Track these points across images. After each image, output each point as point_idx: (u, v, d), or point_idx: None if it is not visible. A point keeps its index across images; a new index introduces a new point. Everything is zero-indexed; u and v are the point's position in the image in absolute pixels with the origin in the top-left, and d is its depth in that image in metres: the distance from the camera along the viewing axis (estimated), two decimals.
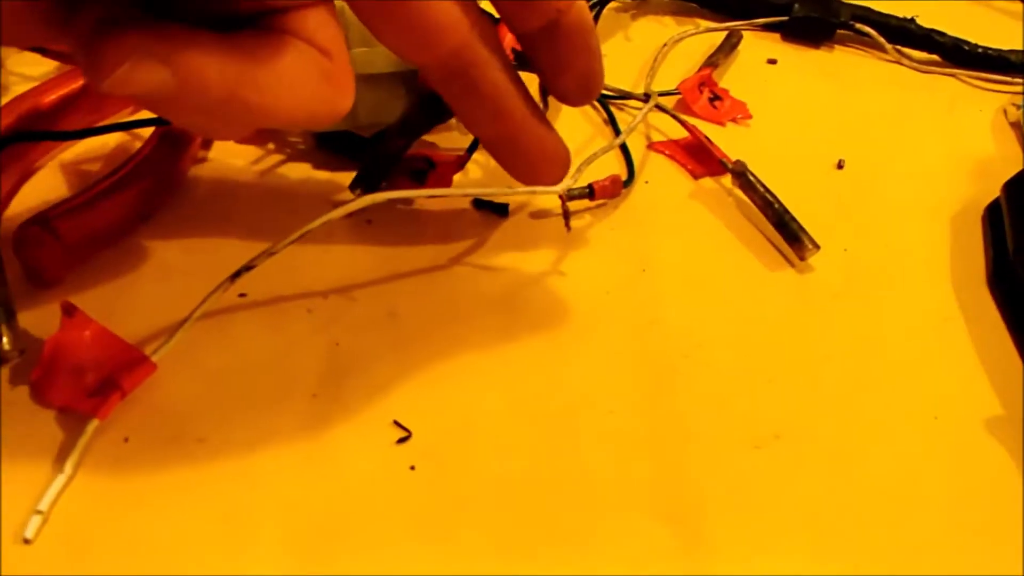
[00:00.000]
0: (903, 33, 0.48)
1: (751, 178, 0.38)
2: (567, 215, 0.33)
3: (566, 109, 0.42)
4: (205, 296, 0.28)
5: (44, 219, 0.29)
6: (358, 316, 0.31)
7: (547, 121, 0.30)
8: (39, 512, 0.24)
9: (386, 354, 0.30)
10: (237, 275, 0.27)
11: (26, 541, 0.24)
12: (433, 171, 0.35)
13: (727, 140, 0.40)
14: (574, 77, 0.29)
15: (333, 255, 0.33)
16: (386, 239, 0.35)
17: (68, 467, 0.25)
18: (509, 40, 0.32)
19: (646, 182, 0.39)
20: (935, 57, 0.49)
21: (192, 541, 0.25)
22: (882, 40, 0.48)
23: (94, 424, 0.26)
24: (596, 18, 0.45)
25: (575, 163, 0.39)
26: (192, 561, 0.25)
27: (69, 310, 0.26)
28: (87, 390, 0.26)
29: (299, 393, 0.29)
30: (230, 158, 0.37)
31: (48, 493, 0.24)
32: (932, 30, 0.48)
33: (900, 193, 0.40)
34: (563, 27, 0.28)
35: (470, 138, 0.36)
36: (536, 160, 0.31)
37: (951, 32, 0.48)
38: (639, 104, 0.43)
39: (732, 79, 0.46)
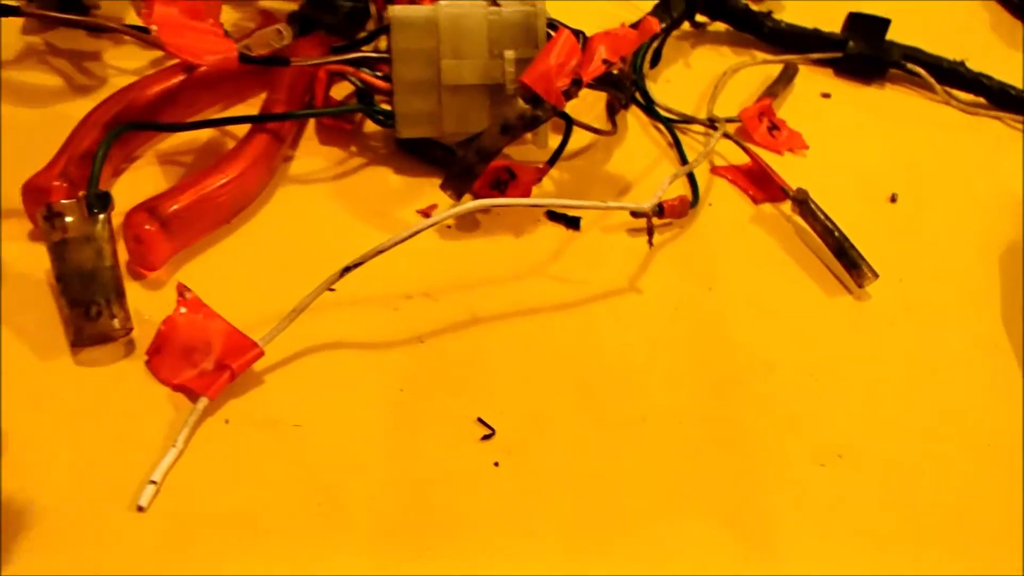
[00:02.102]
0: (953, 75, 0.50)
1: (812, 206, 0.39)
2: (651, 232, 0.34)
3: (631, 133, 0.44)
4: (316, 289, 0.29)
5: (151, 206, 0.30)
6: (441, 316, 0.33)
7: None
8: (153, 482, 0.25)
9: (468, 353, 0.32)
10: (347, 270, 0.29)
11: (140, 509, 0.25)
12: (514, 181, 0.36)
13: (784, 168, 0.41)
14: None
15: (415, 257, 0.34)
16: (465, 243, 0.36)
17: (180, 442, 0.26)
18: (600, 52, 0.33)
19: (709, 204, 0.40)
20: (981, 100, 0.50)
21: (287, 521, 0.26)
22: (932, 81, 0.50)
23: (203, 402, 0.27)
24: (661, 46, 0.47)
25: (643, 183, 0.40)
26: (287, 540, 0.26)
27: (184, 293, 0.27)
28: (197, 369, 0.27)
29: (387, 387, 0.30)
30: (314, 158, 0.38)
31: (161, 465, 0.26)
32: (980, 74, 0.50)
33: (951, 228, 0.41)
34: None
35: (546, 152, 0.38)
36: None
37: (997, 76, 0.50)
38: (701, 128, 0.44)
39: (788, 110, 0.47)
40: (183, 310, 0.28)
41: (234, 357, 0.28)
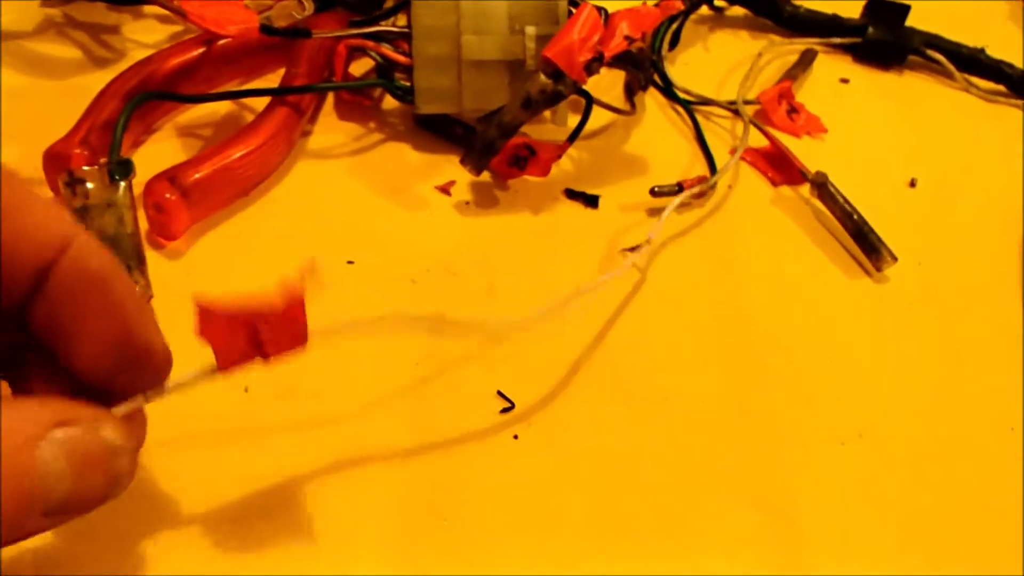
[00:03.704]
0: (973, 62, 0.49)
1: (831, 189, 0.39)
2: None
3: (650, 114, 0.43)
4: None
5: (172, 175, 0.30)
6: (459, 289, 0.33)
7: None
8: None
9: (487, 326, 0.32)
10: None
11: None
12: (533, 158, 0.36)
13: (802, 152, 0.41)
14: (96, 345, 0.20)
15: (434, 231, 0.35)
16: (484, 219, 0.36)
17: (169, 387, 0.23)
18: (622, 28, 0.33)
19: (729, 186, 0.40)
20: (1001, 87, 0.50)
21: (306, 489, 0.26)
22: (952, 68, 0.49)
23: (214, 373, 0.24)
24: (680, 28, 0.47)
25: (662, 163, 0.40)
26: (306, 507, 0.26)
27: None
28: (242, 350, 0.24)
29: (405, 359, 0.30)
30: (333, 133, 0.38)
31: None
32: (1001, 61, 0.49)
33: (971, 214, 0.41)
34: (58, 279, 0.19)
35: (565, 130, 0.38)
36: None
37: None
38: (720, 111, 0.44)
39: (806, 94, 0.47)
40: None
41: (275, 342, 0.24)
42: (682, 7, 0.35)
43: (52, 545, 0.24)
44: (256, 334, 0.24)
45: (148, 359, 0.21)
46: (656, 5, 0.36)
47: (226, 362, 0.23)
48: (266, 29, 0.33)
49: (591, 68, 0.33)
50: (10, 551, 0.23)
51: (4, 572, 0.23)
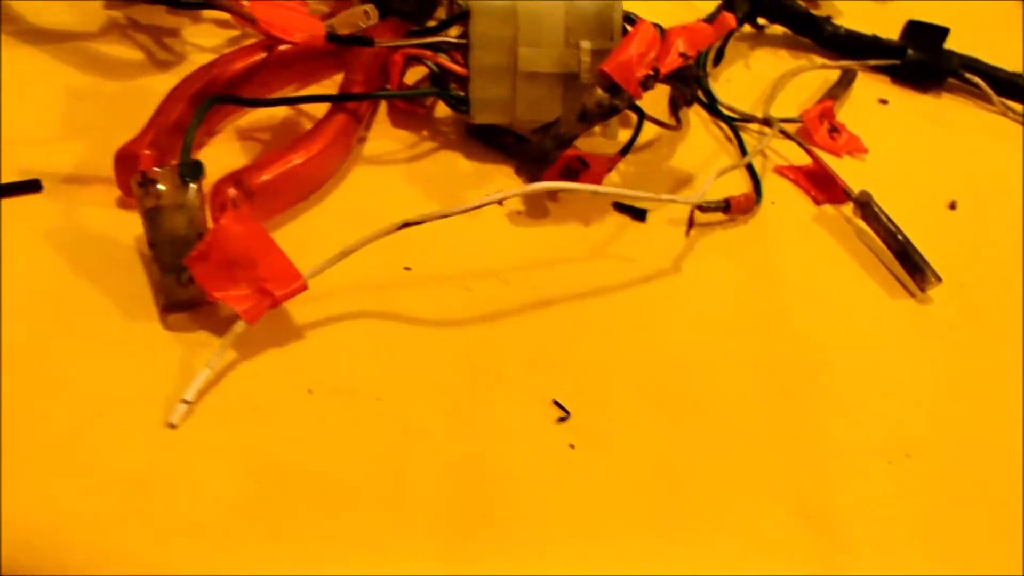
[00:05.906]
0: (1011, 86, 0.50)
1: (875, 209, 0.39)
2: (691, 224, 0.36)
3: (694, 127, 0.44)
4: (368, 236, 0.30)
5: (239, 178, 0.31)
6: (512, 298, 0.33)
7: None
8: (186, 401, 0.26)
9: (540, 335, 0.32)
10: (405, 225, 0.29)
11: (171, 426, 0.26)
12: (585, 170, 0.37)
13: (843, 171, 0.42)
14: None
15: (487, 240, 0.35)
16: (535, 229, 0.36)
17: (214, 361, 0.27)
18: (678, 45, 0.34)
19: (772, 202, 0.40)
20: None
21: (365, 490, 0.27)
22: (990, 91, 0.50)
23: (241, 326, 0.27)
24: (724, 46, 0.47)
25: (705, 178, 0.41)
26: (363, 508, 0.26)
27: (236, 202, 0.27)
28: (238, 287, 0.27)
29: (462, 365, 0.30)
30: (387, 140, 0.39)
31: (194, 384, 0.26)
32: None
33: (1011, 237, 0.42)
34: None
35: (616, 144, 0.38)
36: None
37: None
38: (759, 127, 0.45)
39: (846, 114, 0.48)
40: (233, 219, 0.28)
41: (277, 285, 0.28)
42: (735, 25, 0.36)
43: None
44: (260, 284, 0.27)
45: None
46: (707, 21, 0.37)
47: (250, 316, 0.27)
48: (331, 37, 0.34)
49: (647, 84, 0.34)
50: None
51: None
